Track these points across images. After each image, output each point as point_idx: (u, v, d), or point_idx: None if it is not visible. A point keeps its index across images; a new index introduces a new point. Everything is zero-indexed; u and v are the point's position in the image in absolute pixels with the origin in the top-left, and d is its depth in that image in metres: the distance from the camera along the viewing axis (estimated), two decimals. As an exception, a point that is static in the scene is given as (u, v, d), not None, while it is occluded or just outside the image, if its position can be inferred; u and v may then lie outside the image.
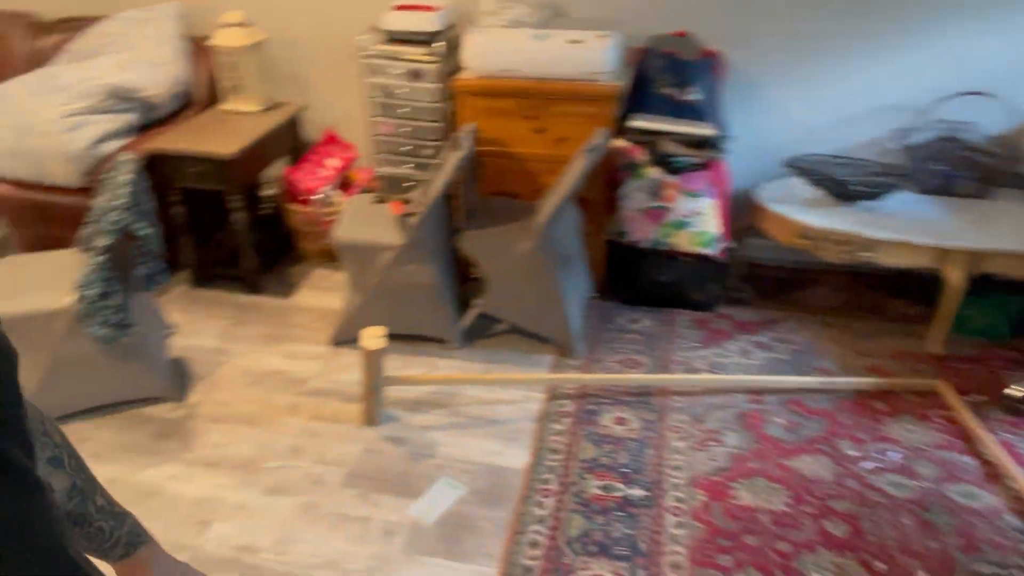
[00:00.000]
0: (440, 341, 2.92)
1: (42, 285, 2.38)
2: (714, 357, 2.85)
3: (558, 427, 2.51)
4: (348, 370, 2.77)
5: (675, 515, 2.17)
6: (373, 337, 2.37)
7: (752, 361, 2.82)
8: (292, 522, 2.15)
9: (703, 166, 2.86)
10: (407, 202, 2.95)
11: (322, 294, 3.23)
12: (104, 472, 2.31)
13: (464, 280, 3.10)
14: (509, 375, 2.68)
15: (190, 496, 2.23)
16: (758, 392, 2.66)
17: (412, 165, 3.22)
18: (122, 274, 2.37)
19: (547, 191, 2.94)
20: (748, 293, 3.24)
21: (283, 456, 2.38)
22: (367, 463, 2.36)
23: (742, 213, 3.12)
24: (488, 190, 3.09)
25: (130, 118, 3.05)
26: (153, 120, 3.21)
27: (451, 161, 2.57)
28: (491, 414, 2.56)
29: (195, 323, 3.03)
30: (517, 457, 2.38)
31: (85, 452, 2.37)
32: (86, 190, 2.91)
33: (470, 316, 2.89)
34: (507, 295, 2.79)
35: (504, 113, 2.91)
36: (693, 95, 2.90)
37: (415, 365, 2.80)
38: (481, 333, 2.96)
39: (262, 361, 2.82)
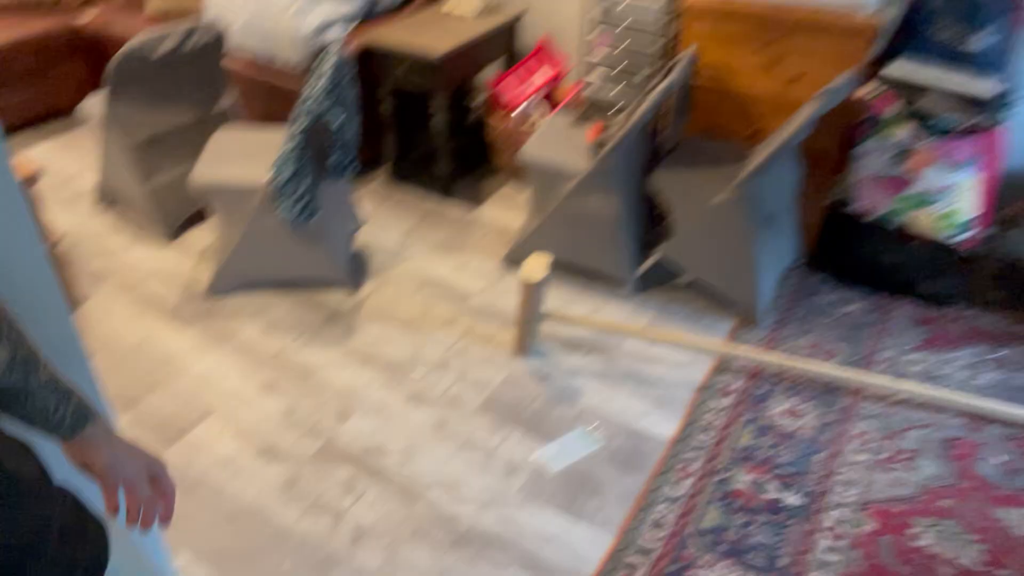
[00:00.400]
0: (612, 281, 2.72)
1: (250, 159, 2.51)
2: (931, 365, 2.37)
3: (718, 404, 2.24)
4: (511, 293, 2.69)
5: (831, 537, 1.86)
6: (536, 267, 2.24)
7: (980, 380, 2.31)
8: (422, 435, 2.15)
9: (972, 131, 2.30)
10: (606, 128, 2.72)
11: (506, 211, 3.15)
12: (270, 345, 2.45)
13: (651, 221, 2.84)
14: (676, 335, 2.44)
15: (338, 385, 2.31)
16: (977, 418, 2.18)
17: (622, 87, 2.96)
18: (314, 161, 2.44)
19: (765, 137, 2.56)
20: (998, 296, 2.65)
21: (429, 366, 2.37)
22: (506, 393, 2.28)
23: (1011, 197, 2.51)
24: (697, 127, 2.76)
25: (354, 8, 3.09)
26: (376, 12, 3.23)
27: (661, 88, 2.29)
28: (647, 372, 2.35)
29: (383, 219, 3.09)
30: (664, 425, 2.17)
31: (261, 321, 2.54)
32: (307, 74, 3.02)
33: (649, 261, 2.65)
34: (694, 246, 2.51)
35: (732, 41, 2.54)
36: (980, 43, 2.32)
37: (580, 302, 2.64)
38: (658, 281, 2.72)
39: (433, 268, 2.82)
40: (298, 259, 2.60)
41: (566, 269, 2.79)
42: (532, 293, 2.24)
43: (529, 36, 3.43)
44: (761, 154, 2.23)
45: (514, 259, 2.82)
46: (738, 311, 2.57)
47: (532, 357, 2.41)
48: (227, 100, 3.01)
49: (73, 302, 2.57)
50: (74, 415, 0.80)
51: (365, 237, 2.99)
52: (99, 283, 2.72)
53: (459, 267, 2.83)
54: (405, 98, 3.17)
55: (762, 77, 2.55)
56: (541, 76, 3.18)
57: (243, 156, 2.55)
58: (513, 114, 3.12)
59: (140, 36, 2.58)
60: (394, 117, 3.16)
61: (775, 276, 2.59)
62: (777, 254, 2.55)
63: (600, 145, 2.54)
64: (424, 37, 2.95)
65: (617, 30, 2.83)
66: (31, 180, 2.27)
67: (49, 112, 3.76)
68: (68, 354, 1.15)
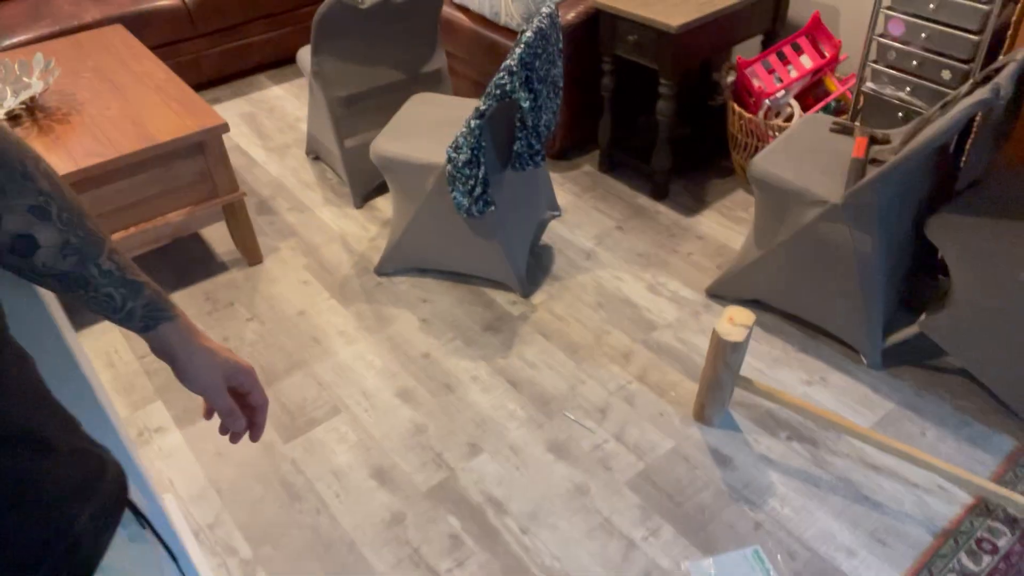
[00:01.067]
0: (847, 345, 2.08)
1: (438, 132, 2.24)
2: None
3: (969, 565, 1.58)
4: (707, 334, 2.16)
5: None
6: (737, 319, 1.71)
7: None
8: (554, 498, 1.76)
9: None
10: (876, 141, 2.04)
11: (730, 224, 2.58)
12: (422, 342, 2.20)
13: (917, 274, 2.13)
14: (917, 452, 1.78)
15: (478, 408, 2.00)
16: None
17: (912, 89, 2.22)
18: (496, 146, 2.09)
19: None
20: None
21: (586, 410, 1.96)
22: (670, 469, 1.80)
23: None
24: (1018, 158, 1.97)
25: (590, -37, 2.65)
26: (616, -30, 2.76)
27: (972, 100, 1.60)
28: (870, 487, 1.73)
29: (581, 213, 2.69)
30: (876, 574, 1.57)
31: (422, 313, 2.30)
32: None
33: (905, 332, 1.97)
34: (974, 331, 1.79)
35: (1106, 39, 1.73)
36: None
37: (796, 364, 2.05)
38: (915, 355, 2.03)
39: (623, 283, 2.37)
40: (470, 252, 2.30)
41: (787, 317, 2.19)
42: (725, 352, 1.72)
43: (802, 10, 2.75)
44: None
45: (720, 293, 2.28)
46: (1028, 427, 1.82)
47: (714, 427, 1.90)
48: (439, 60, 2.77)
49: (250, 259, 2.53)
50: (145, 310, 0.75)
51: (558, 229, 2.62)
52: (285, 239, 2.66)
53: (654, 287, 2.35)
54: (633, 73, 2.70)
55: None
56: (807, 62, 2.52)
57: (432, 128, 2.28)
58: (763, 105, 2.52)
59: (349, -15, 2.39)
60: (615, 94, 2.71)
61: (1101, 389, 1.78)
62: (1113, 362, 1.74)
63: (864, 167, 1.89)
64: (666, 2, 2.44)
65: (921, 10, 2.09)
66: (217, 131, 2.19)
67: (293, 53, 3.83)
68: (64, 373, 0.93)
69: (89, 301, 0.73)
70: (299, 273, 2.50)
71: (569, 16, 2.58)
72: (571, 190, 2.82)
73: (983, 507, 1.67)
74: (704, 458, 1.83)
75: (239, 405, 0.85)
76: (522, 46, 1.92)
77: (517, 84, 1.93)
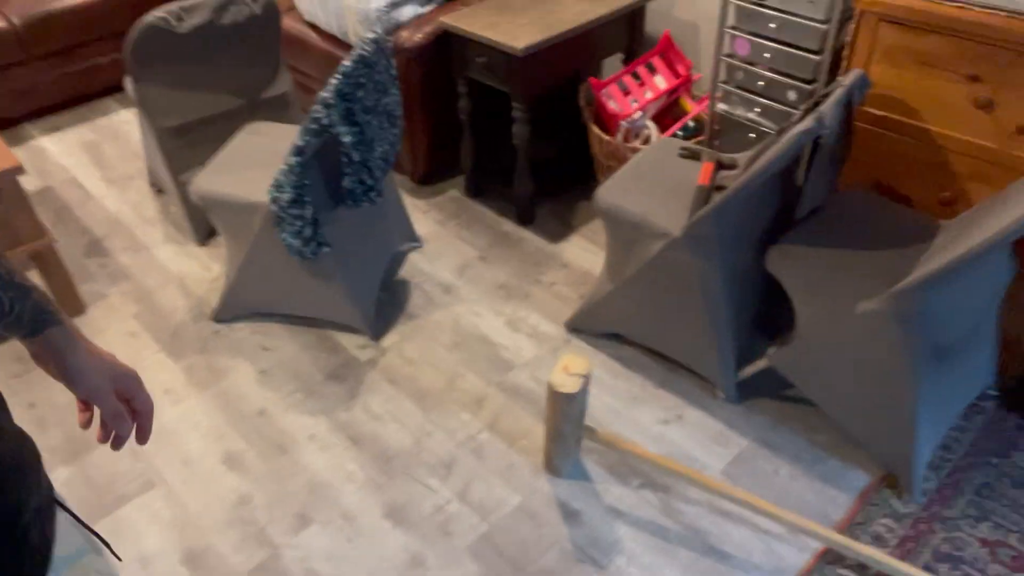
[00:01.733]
0: (703, 379, 2.01)
1: (269, 166, 2.05)
2: None
3: (814, 616, 1.50)
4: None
5: None
6: (573, 368, 1.59)
7: None
8: (387, 573, 1.61)
9: None
10: (723, 167, 1.98)
11: (596, 249, 2.49)
12: (257, 397, 2.01)
13: (766, 307, 2.07)
14: (764, 505, 1.70)
15: (312, 471, 1.82)
16: None
17: (762, 110, 2.18)
18: (324, 183, 1.93)
19: (964, 208, 1.71)
20: None
21: (430, 466, 1.82)
22: (515, 530, 1.67)
23: None
24: (859, 179, 1.94)
25: (437, -19, 2.51)
26: (467, -14, 2.64)
27: (806, 124, 1.53)
28: (720, 536, 1.65)
29: (444, 243, 2.55)
30: (723, 634, 1.48)
31: (261, 363, 2.10)
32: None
33: (755, 366, 1.90)
34: (822, 365, 1.74)
35: (929, 62, 1.70)
36: None
37: (651, 402, 1.95)
38: (771, 390, 1.97)
39: (481, 319, 2.24)
40: (310, 295, 2.13)
41: (647, 350, 2.10)
42: (562, 405, 1.61)
43: (660, 27, 2.69)
44: (953, 251, 1.42)
45: (579, 328, 2.18)
46: (882, 461, 1.77)
47: (564, 479, 1.78)
48: (283, 84, 2.58)
49: (70, 309, 2.28)
50: (33, 313, 0.74)
51: (417, 262, 2.46)
52: (115, 284, 2.41)
53: (513, 323, 2.22)
54: (493, 94, 2.58)
55: (971, 120, 1.69)
56: (661, 82, 2.45)
57: (262, 162, 2.10)
58: (620, 127, 2.43)
59: (165, 6, 2.18)
60: (475, 116, 2.58)
61: (944, 426, 1.75)
62: (953, 395, 1.71)
63: (709, 195, 1.81)
64: (514, 22, 2.32)
65: (764, 29, 2.04)
66: (9, 174, 1.94)
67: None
68: None
69: None
70: (127, 323, 2.27)
71: (417, 37, 2.43)
72: (435, 218, 2.67)
73: (833, 554, 1.61)
74: (551, 514, 1.70)
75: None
76: (339, 77, 1.76)
77: (336, 117, 1.77)
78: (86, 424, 0.81)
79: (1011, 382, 1.89)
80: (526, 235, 2.58)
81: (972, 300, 1.56)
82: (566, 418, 1.62)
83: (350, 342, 2.17)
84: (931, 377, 1.58)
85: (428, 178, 2.83)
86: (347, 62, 1.78)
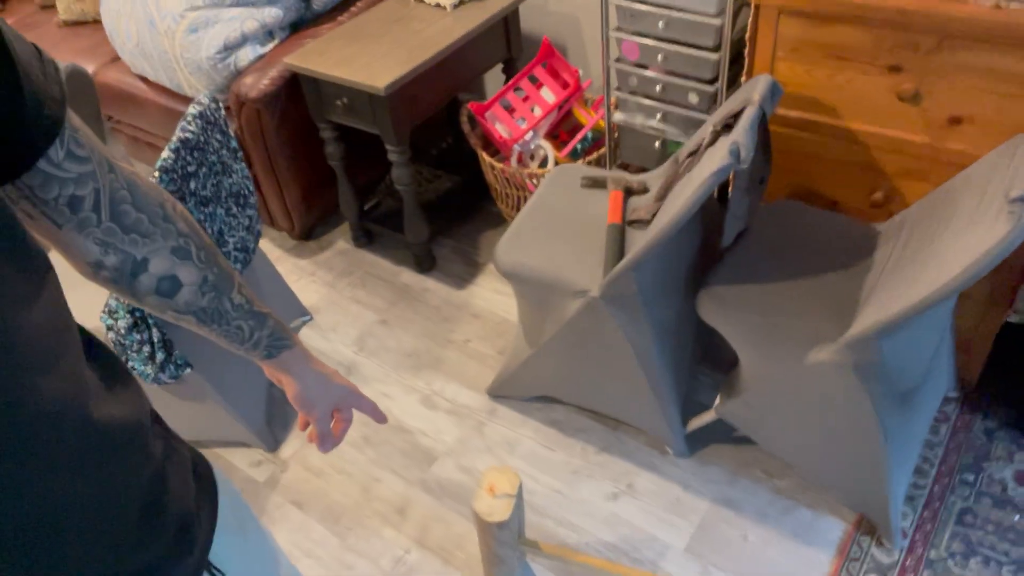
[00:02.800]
0: (649, 435, 1.79)
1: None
2: None
3: None
4: (494, 453, 1.80)
5: None
6: (497, 492, 1.34)
7: None
8: None
9: None
10: (633, 192, 1.74)
11: (507, 290, 2.23)
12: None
13: (706, 338, 1.87)
14: None
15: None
16: None
17: (663, 116, 1.94)
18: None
19: (898, 209, 1.52)
20: None
21: (356, 609, 1.55)
22: (466, 676, 1.43)
23: None
24: (781, 186, 1.74)
25: (275, 16, 2.16)
26: (312, 17, 2.29)
27: (710, 171, 1.30)
28: (697, 633, 1.44)
29: (337, 310, 2.24)
30: None
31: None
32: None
33: (703, 419, 1.69)
34: (776, 417, 1.54)
35: (842, 55, 1.48)
36: None
37: (601, 472, 1.73)
38: (722, 436, 1.77)
39: (392, 401, 1.96)
40: (184, 418, 1.80)
41: (583, 410, 1.87)
42: (493, 533, 1.35)
43: (537, 32, 2.42)
44: (903, 296, 1.21)
45: (503, 394, 1.92)
46: (852, 505, 1.60)
47: (512, 595, 1.54)
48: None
49: None
50: (269, 339, 0.79)
51: (310, 339, 2.16)
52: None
53: (429, 399, 1.95)
54: (361, 132, 2.26)
55: (896, 114, 1.49)
56: (549, 96, 2.18)
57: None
58: (513, 150, 2.16)
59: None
60: (348, 160, 2.26)
61: (915, 457, 1.58)
62: (920, 422, 1.53)
63: (623, 234, 1.58)
64: (372, 53, 2.00)
65: (651, 29, 1.80)
66: None
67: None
68: None
69: (220, 334, 0.75)
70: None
71: (263, 84, 2.09)
72: (323, 280, 2.36)
73: (821, 627, 1.43)
74: (504, 645, 1.46)
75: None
76: (156, 174, 1.43)
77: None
78: (304, 427, 0.88)
79: (971, 383, 1.75)
80: (429, 284, 2.29)
81: (931, 334, 1.38)
82: (502, 544, 1.37)
83: (243, 460, 1.87)
84: (896, 420, 1.39)
85: (308, 233, 2.51)
86: (166, 152, 1.45)
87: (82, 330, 0.65)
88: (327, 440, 0.88)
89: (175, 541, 0.65)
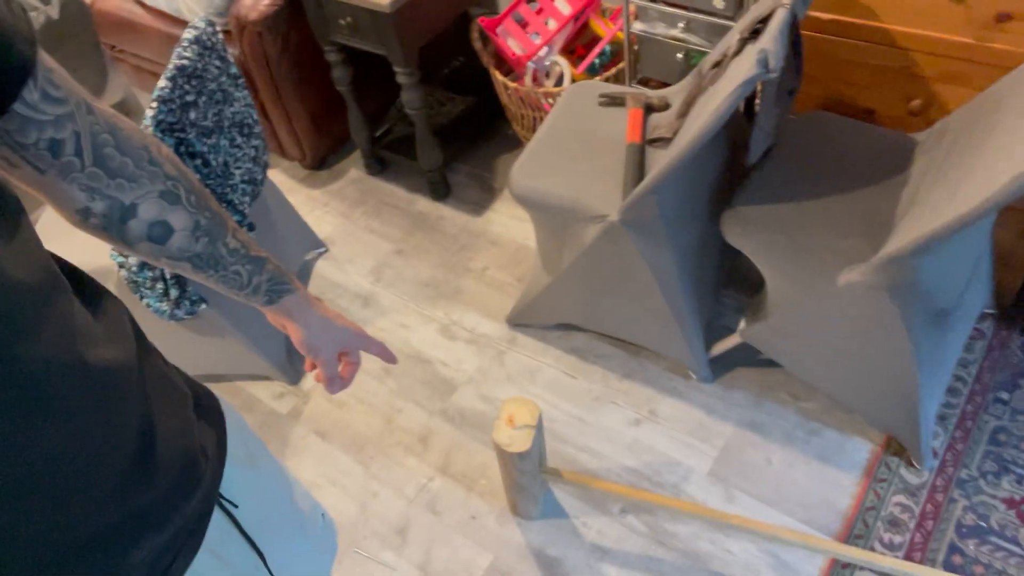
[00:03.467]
0: (672, 360, 1.76)
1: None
2: None
3: (840, 638, 1.32)
4: (515, 381, 1.79)
5: None
6: (517, 423, 1.32)
7: None
8: None
9: None
10: (654, 109, 1.65)
11: (524, 216, 2.16)
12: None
13: (730, 260, 1.80)
14: (763, 527, 1.49)
15: (250, 570, 1.56)
16: None
17: (686, 24, 1.82)
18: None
19: (940, 116, 1.42)
20: None
21: (382, 536, 1.57)
22: (491, 599, 1.46)
23: None
24: (813, 96, 1.63)
25: (271, -71, 2.03)
26: (311, -72, 2.16)
27: (737, 83, 1.21)
28: (721, 558, 1.44)
29: (353, 240, 2.20)
30: None
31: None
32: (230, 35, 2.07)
33: (727, 343, 1.65)
34: (803, 340, 1.49)
35: (885, -50, 1.36)
36: None
37: (623, 399, 1.71)
38: (747, 359, 1.73)
39: (410, 332, 1.94)
40: (204, 354, 1.80)
41: (604, 336, 1.84)
42: (514, 463, 1.34)
43: (550, -68, 2.25)
44: (942, 212, 1.14)
45: (522, 322, 1.89)
46: (882, 426, 1.56)
47: (536, 520, 1.55)
48: (115, 91, 2.13)
49: None
50: (269, 284, 0.77)
51: (326, 271, 2.13)
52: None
53: (448, 328, 1.93)
54: (369, 55, 2.16)
55: (938, 13, 1.38)
56: (564, 7, 2.06)
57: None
58: (527, 68, 2.06)
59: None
60: (356, 84, 2.18)
61: (947, 377, 1.53)
62: (955, 342, 1.48)
63: (643, 154, 1.50)
64: (369, -28, 1.89)
65: (674, -70, 1.66)
66: None
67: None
68: None
69: (218, 280, 0.73)
70: None
71: (263, 6, 1.99)
72: (337, 209, 2.31)
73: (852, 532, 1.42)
74: (528, 568, 1.48)
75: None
76: (155, 104, 1.37)
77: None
78: (310, 369, 0.87)
79: (1009, 299, 1.68)
80: (445, 212, 2.24)
81: (970, 250, 1.31)
82: (523, 473, 1.37)
83: (265, 392, 1.87)
84: (930, 340, 1.34)
85: (321, 162, 2.45)
86: (162, 81, 1.39)
87: (71, 270, 0.63)
88: (335, 382, 0.86)
89: (180, 477, 0.64)
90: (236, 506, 0.73)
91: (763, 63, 1.17)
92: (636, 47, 1.98)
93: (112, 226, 0.64)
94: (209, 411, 0.74)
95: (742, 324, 1.61)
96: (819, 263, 1.33)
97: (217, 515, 0.70)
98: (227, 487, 0.72)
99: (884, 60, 1.49)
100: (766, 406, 1.65)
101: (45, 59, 0.55)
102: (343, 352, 0.87)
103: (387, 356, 0.91)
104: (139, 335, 0.67)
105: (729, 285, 1.85)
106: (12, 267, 0.49)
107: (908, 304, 1.26)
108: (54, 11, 1.86)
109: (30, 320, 0.50)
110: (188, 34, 1.48)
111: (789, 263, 1.38)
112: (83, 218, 0.63)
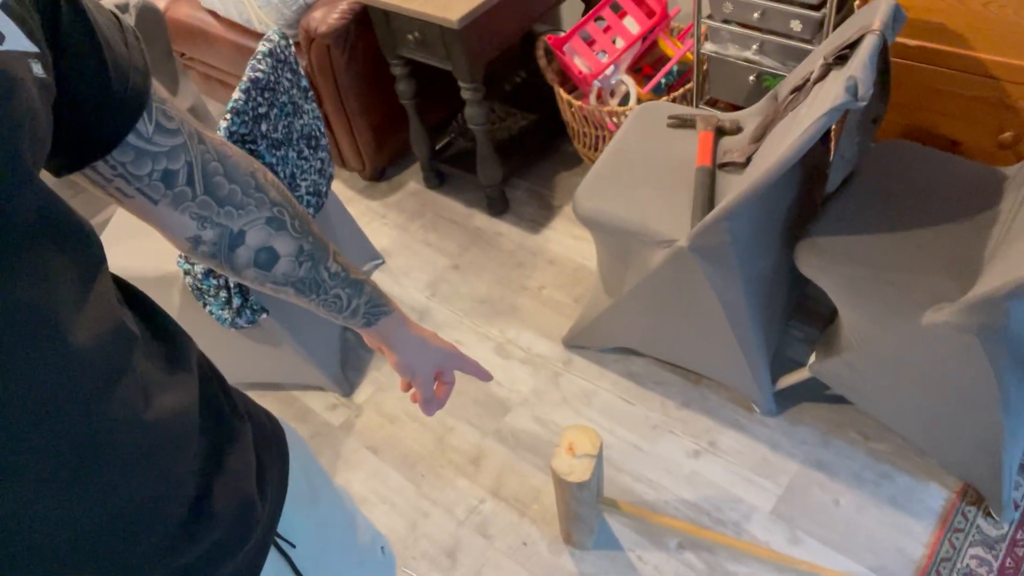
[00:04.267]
0: (733, 391, 1.70)
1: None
2: None
3: None
4: (570, 404, 1.75)
5: None
6: (577, 451, 1.28)
7: None
8: None
9: None
10: (725, 132, 1.61)
11: (583, 234, 2.14)
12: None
13: (799, 290, 1.74)
14: (830, 573, 1.42)
15: (298, 583, 1.56)
16: None
17: (760, 46, 1.78)
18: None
19: (1038, 162, 1.35)
20: None
21: (431, 558, 1.55)
22: (542, 630, 1.42)
23: None
24: (896, 125, 1.57)
25: (343, -57, 2.05)
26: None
27: (823, 110, 1.17)
28: (783, 599, 1.38)
29: (410, 253, 2.20)
30: None
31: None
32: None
33: (795, 376, 1.59)
34: (880, 380, 1.42)
35: (983, -25, 1.30)
36: None
37: (681, 428, 1.66)
38: (815, 394, 1.66)
39: (465, 349, 1.92)
40: (261, 362, 1.81)
41: (662, 362, 1.79)
42: (572, 492, 1.31)
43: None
44: (1041, 253, 1.08)
45: (579, 344, 1.86)
46: (960, 473, 1.48)
47: (590, 550, 1.51)
48: (186, 97, 2.17)
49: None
50: (367, 307, 0.77)
51: (382, 282, 2.13)
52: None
53: (503, 347, 1.91)
54: (433, 70, 2.16)
55: (1041, 43, 1.31)
56: (632, 26, 2.03)
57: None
58: (592, 87, 2.03)
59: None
60: (419, 97, 2.18)
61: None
62: (1045, 388, 1.39)
63: (713, 178, 1.46)
64: (440, -13, 1.89)
65: (753, -50, 1.62)
66: None
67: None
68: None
69: (319, 304, 0.73)
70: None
71: (332, 19, 2.01)
72: (395, 222, 2.31)
73: (920, 601, 1.34)
74: (581, 601, 1.44)
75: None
76: (228, 116, 1.38)
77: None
78: (405, 389, 0.87)
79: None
80: (502, 228, 2.22)
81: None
82: (580, 503, 1.33)
83: (320, 403, 1.87)
84: (1019, 386, 1.26)
85: (380, 174, 2.46)
86: (237, 93, 1.40)
87: (140, 301, 0.61)
88: (431, 404, 0.86)
89: (235, 524, 0.61)
90: (294, 546, 0.70)
91: (852, 91, 1.13)
92: (705, 67, 1.94)
93: (221, 253, 0.64)
94: (272, 442, 0.71)
95: (812, 358, 1.55)
96: (901, 300, 1.27)
97: (272, 554, 0.67)
98: (285, 525, 0.69)
99: (974, 90, 1.43)
100: (834, 445, 1.58)
101: (159, 90, 0.55)
102: (438, 372, 0.86)
103: (482, 375, 0.90)
104: (203, 369, 0.65)
105: (798, 316, 1.79)
106: (80, 335, 0.47)
107: (997, 348, 1.19)
108: (130, 19, 1.90)
109: (95, 387, 0.48)
110: (263, 47, 1.49)
111: (868, 298, 1.32)
112: (193, 246, 0.63)
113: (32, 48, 0.43)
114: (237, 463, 0.64)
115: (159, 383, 0.55)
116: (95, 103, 0.50)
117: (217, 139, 0.62)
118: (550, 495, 1.60)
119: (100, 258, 0.51)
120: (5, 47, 0.41)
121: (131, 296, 0.60)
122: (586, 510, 1.36)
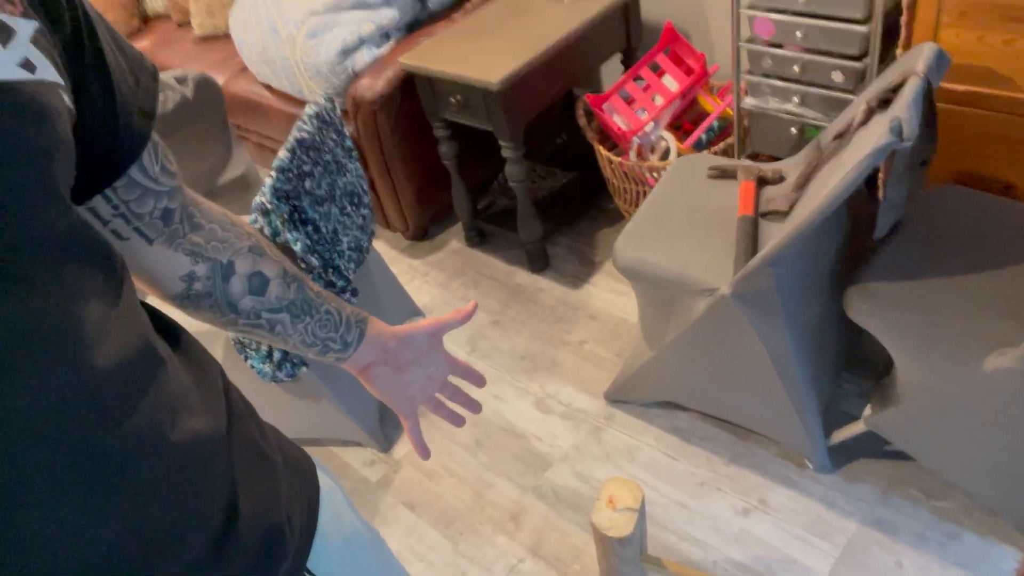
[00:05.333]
0: (785, 447, 1.63)
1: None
2: None
3: None
4: (612, 460, 1.70)
5: None
6: (618, 505, 1.24)
7: None
8: None
9: None
10: (767, 182, 1.59)
11: (625, 289, 2.12)
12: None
13: (851, 357, 1.68)
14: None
15: (332, 644, 1.51)
16: None
17: (801, 99, 1.78)
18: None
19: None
20: None
21: (469, 618, 1.49)
22: None
23: None
24: (945, 170, 1.54)
25: (392, 16, 2.16)
26: (427, 16, 2.28)
27: (867, 152, 1.15)
28: (845, 672, 1.28)
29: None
30: None
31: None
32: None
33: (850, 430, 1.52)
34: (939, 430, 1.35)
35: (1020, 17, 1.29)
36: None
37: (729, 485, 1.59)
38: (872, 449, 1.58)
39: (504, 404, 1.90)
40: (299, 417, 1.81)
41: (708, 416, 1.74)
42: (613, 549, 1.25)
43: (659, 18, 2.29)
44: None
45: (621, 398, 1.82)
46: (1032, 533, 1.38)
47: (634, 615, 1.43)
48: (240, 164, 2.26)
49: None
50: (355, 315, 0.77)
51: (423, 341, 2.13)
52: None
53: (543, 402, 1.88)
54: (474, 131, 2.22)
55: (1091, 82, 1.28)
56: (671, 84, 2.06)
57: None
58: (632, 144, 2.05)
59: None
60: (461, 159, 2.23)
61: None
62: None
63: (756, 228, 1.44)
64: (486, 48, 1.96)
65: (785, 10, 1.65)
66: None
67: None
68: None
69: (317, 325, 0.73)
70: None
71: (379, 85, 2.09)
72: (436, 280, 2.33)
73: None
74: (626, 669, 1.36)
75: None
76: (273, 174, 1.43)
77: (278, 224, 1.44)
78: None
79: None
80: (543, 284, 2.22)
81: None
82: (623, 560, 1.27)
83: (357, 459, 1.86)
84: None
85: (423, 233, 2.50)
86: (282, 152, 1.45)
87: (167, 325, 0.62)
88: (424, 450, 0.86)
89: (261, 554, 0.59)
90: None
91: (896, 131, 1.11)
92: (746, 122, 1.95)
93: (216, 288, 0.66)
94: (302, 476, 0.70)
95: (867, 411, 1.48)
96: (960, 346, 1.21)
97: None
98: (316, 561, 0.67)
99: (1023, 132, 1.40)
100: (894, 503, 1.49)
101: (155, 136, 0.59)
102: (439, 391, 0.85)
103: (475, 378, 0.88)
104: (231, 395, 0.65)
105: (851, 368, 1.72)
106: (103, 352, 0.47)
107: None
108: (188, 91, 2.01)
109: (118, 404, 0.48)
110: (309, 109, 1.56)
111: (924, 345, 1.27)
112: (187, 285, 0.65)
113: (60, 80, 0.46)
114: (266, 492, 0.63)
115: (188, 406, 0.55)
116: (100, 138, 0.53)
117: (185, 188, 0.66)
118: (591, 554, 1.53)
119: (125, 279, 0.53)
120: (38, 76, 0.43)
121: (164, 326, 0.61)
122: (629, 568, 1.30)
